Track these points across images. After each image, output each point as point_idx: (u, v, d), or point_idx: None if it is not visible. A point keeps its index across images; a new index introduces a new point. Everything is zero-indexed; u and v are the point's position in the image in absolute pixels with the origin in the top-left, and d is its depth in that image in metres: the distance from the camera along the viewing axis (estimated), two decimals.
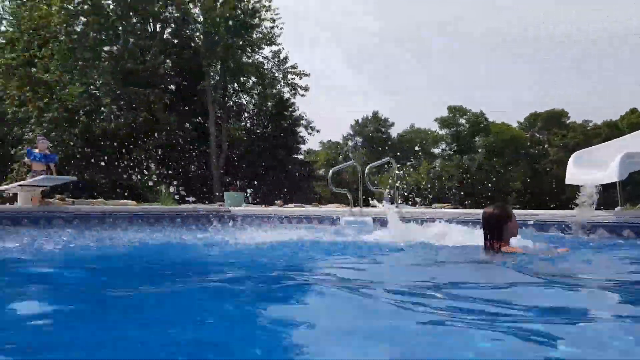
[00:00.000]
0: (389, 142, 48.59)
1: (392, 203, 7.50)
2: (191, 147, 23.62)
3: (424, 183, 37.46)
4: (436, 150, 50.83)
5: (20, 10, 21.12)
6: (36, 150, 9.90)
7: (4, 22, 21.75)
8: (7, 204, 10.44)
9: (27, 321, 1.88)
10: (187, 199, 12.64)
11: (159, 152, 21.23)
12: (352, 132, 52.69)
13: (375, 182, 15.78)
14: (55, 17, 20.03)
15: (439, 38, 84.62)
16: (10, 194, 10.73)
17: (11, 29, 21.13)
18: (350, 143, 53.09)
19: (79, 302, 2.26)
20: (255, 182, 21.97)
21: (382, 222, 6.66)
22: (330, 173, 9.67)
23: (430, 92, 78.92)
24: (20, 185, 9.35)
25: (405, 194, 10.47)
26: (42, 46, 20.63)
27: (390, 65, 79.85)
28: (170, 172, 21.23)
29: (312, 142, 64.89)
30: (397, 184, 8.58)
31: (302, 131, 29.67)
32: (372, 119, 51.54)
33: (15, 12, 21.40)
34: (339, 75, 79.35)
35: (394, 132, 52.21)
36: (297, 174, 28.73)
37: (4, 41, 20.76)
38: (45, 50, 20.33)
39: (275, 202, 13.58)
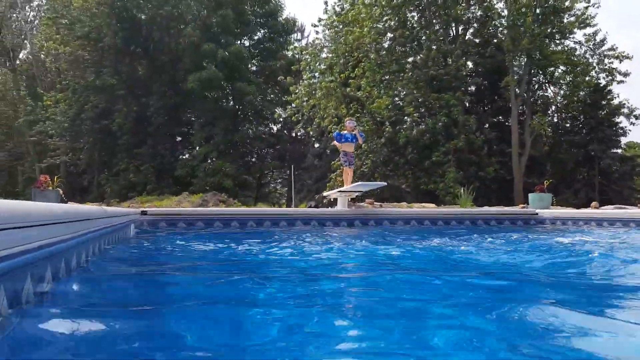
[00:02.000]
0: None
1: None
2: (489, 147, 23.04)
3: None
4: None
5: (337, 36, 24.22)
6: (345, 132, 10.37)
7: (325, 50, 25.20)
8: (329, 207, 11.94)
9: None
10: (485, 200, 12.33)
11: (457, 155, 21.36)
12: None
13: None
14: (367, 37, 22.26)
15: None
16: (332, 199, 12.22)
17: (330, 55, 24.33)
18: None
19: None
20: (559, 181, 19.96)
21: None
22: None
23: None
24: (340, 191, 10.57)
25: None
26: (355, 67, 23.19)
27: None
28: (468, 174, 21.11)
29: (634, 134, 55.52)
30: None
31: (622, 121, 25.63)
32: None
33: (333, 38, 24.58)
34: None
35: None
36: (615, 171, 25.05)
37: (325, 67, 24.05)
38: (357, 70, 22.79)
39: (592, 204, 12.04)
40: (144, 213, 7.81)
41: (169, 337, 1.73)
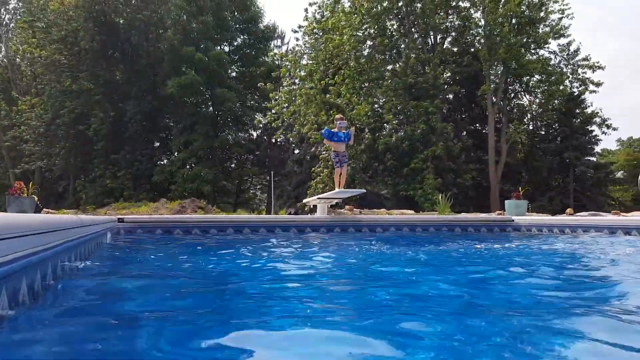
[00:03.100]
0: None
1: None
2: (467, 155, 23.36)
3: None
4: None
5: (317, 43, 24.33)
6: (335, 130, 9.75)
7: (305, 56, 25.29)
8: (309, 214, 11.96)
9: None
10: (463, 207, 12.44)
11: (435, 162, 21.59)
12: None
13: None
14: (346, 45, 22.42)
15: None
16: (311, 206, 12.24)
17: (310, 62, 24.42)
18: None
19: None
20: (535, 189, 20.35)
21: None
22: None
23: None
24: (319, 198, 10.60)
25: None
26: (335, 74, 23.33)
27: None
28: (446, 181, 21.36)
29: (607, 141, 57.06)
30: None
31: (595, 130, 26.26)
32: None
33: (313, 45, 24.69)
34: None
35: None
36: (590, 178, 25.61)
37: (305, 73, 24.12)
38: (337, 77, 22.92)
39: (567, 210, 12.28)
40: (120, 220, 7.71)
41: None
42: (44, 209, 11.50)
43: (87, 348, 1.71)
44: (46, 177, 32.66)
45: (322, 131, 9.99)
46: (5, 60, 35.29)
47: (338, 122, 9.83)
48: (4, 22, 36.52)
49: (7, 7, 36.60)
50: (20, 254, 1.77)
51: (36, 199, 9.92)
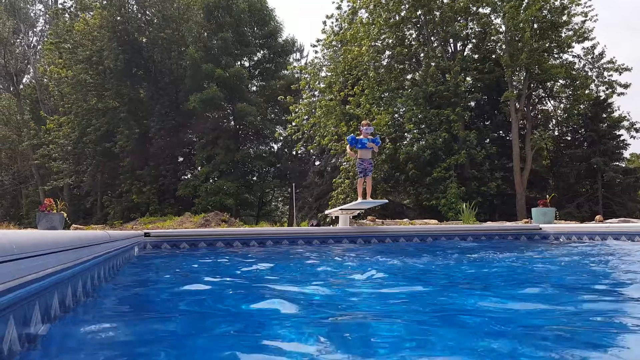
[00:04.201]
0: None
1: None
2: (491, 163, 23.03)
3: None
4: None
5: (335, 55, 24.46)
6: (360, 136, 9.45)
7: (324, 68, 25.46)
8: (331, 225, 11.94)
9: None
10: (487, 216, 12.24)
11: (458, 171, 21.37)
12: None
13: None
14: (365, 55, 22.46)
15: None
16: (334, 217, 12.22)
17: (329, 74, 24.56)
18: None
19: None
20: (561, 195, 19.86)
21: None
22: None
23: None
24: (342, 209, 10.58)
25: None
26: (354, 85, 23.38)
27: None
28: (470, 189, 21.10)
29: (636, 145, 55.71)
30: None
31: (623, 134, 25.59)
32: None
33: (332, 57, 24.84)
34: None
35: None
36: (619, 184, 24.91)
37: (324, 85, 24.27)
38: (357, 87, 22.95)
39: (596, 217, 12.01)
40: (147, 235, 7.83)
41: None
42: (73, 225, 11.74)
43: None
44: (74, 194, 33.41)
45: (348, 137, 9.69)
46: (33, 81, 36.37)
47: (364, 128, 9.45)
48: (32, 45, 37.71)
49: (34, 29, 37.83)
50: (60, 267, 1.82)
51: (65, 215, 10.14)
